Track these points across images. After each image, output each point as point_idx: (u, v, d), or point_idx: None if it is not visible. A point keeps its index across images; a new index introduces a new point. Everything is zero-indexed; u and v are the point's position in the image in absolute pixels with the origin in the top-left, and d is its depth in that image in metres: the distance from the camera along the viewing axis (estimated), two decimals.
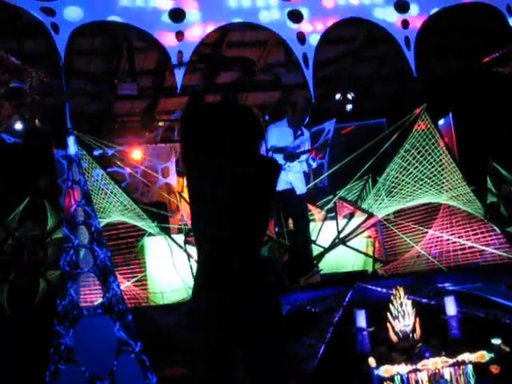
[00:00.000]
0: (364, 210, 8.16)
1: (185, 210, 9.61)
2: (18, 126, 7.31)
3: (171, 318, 6.30)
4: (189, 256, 7.80)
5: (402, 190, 7.86)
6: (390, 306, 6.06)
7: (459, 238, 7.77)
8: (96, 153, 8.14)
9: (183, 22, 6.53)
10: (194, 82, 8.25)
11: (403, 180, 7.87)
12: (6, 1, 6.11)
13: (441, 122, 8.90)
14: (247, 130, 3.12)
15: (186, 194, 10.40)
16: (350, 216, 8.27)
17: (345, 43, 9.58)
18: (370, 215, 8.01)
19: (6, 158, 7.89)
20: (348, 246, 8.04)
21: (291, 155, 7.45)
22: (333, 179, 9.39)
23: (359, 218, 8.18)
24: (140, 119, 11.60)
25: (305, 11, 6.80)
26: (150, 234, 8.08)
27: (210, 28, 6.75)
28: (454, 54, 8.91)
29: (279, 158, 7.45)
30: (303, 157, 7.58)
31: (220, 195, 2.96)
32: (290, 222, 7.85)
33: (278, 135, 7.61)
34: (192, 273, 7.66)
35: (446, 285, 6.68)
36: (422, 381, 6.05)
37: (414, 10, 6.93)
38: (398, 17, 6.89)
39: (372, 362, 5.76)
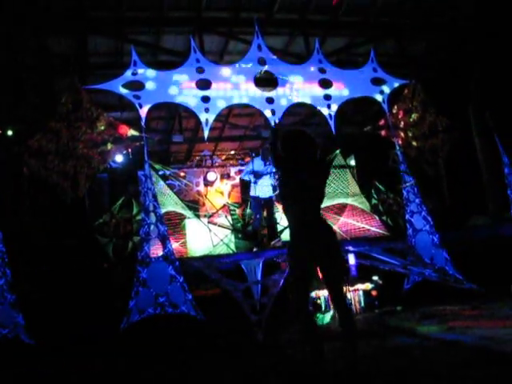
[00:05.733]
0: None
1: (207, 205, 9.61)
2: (119, 158, 7.34)
3: (200, 264, 6.30)
4: (210, 230, 7.76)
5: (328, 194, 7.80)
6: None
7: (357, 222, 7.80)
8: (160, 173, 8.16)
9: (209, 102, 6.56)
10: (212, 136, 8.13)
11: (329, 189, 7.84)
12: (112, 90, 6.21)
13: (348, 159, 9.02)
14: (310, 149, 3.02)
15: (208, 196, 10.42)
16: None
17: (296, 115, 9.73)
18: None
19: (112, 175, 7.92)
20: None
21: (261, 175, 7.32)
22: None
23: None
24: (184, 155, 11.69)
25: (275, 98, 6.89)
26: (189, 218, 8.04)
27: (224, 105, 6.79)
28: (356, 123, 9.06)
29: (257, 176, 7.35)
30: (271, 175, 7.36)
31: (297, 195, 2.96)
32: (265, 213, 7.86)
33: (258, 164, 7.54)
34: (211, 240, 7.63)
35: (350, 247, 6.61)
36: None
37: (333, 100, 7.05)
38: (326, 103, 7.02)
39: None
